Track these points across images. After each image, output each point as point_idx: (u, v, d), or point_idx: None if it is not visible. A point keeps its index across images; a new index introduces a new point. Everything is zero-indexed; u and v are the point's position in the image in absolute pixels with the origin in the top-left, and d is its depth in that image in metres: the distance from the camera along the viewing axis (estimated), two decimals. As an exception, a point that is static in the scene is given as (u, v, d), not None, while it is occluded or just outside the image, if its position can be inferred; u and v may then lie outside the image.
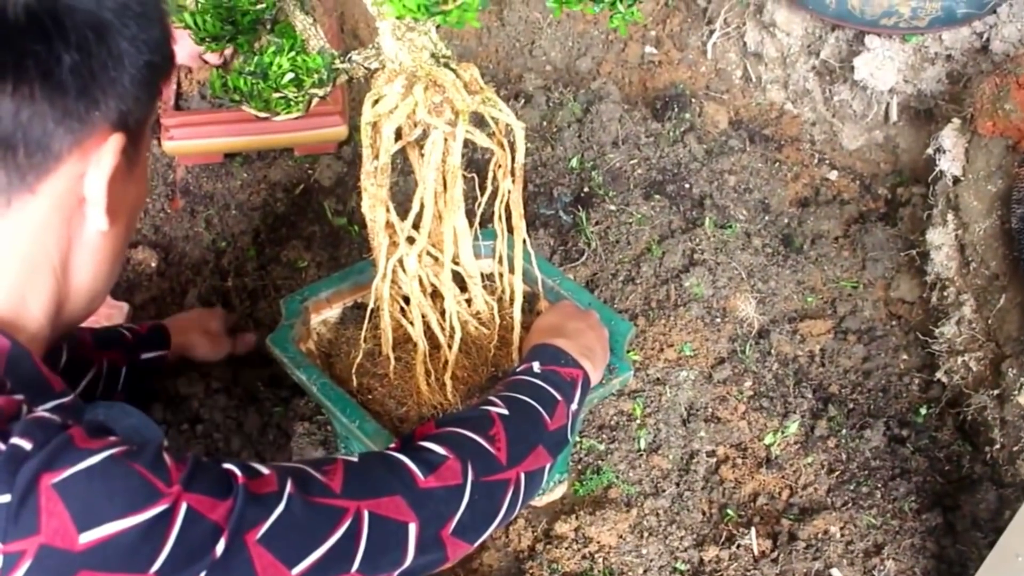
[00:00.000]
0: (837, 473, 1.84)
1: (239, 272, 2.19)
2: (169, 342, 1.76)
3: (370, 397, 1.56)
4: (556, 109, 2.49)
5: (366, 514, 1.07)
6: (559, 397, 1.36)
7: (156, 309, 2.12)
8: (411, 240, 1.45)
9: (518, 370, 1.40)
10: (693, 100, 2.57)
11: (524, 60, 2.77)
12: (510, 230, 1.52)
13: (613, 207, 2.25)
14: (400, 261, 1.46)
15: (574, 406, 1.38)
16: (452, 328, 1.49)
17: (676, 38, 2.79)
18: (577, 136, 2.42)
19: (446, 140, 1.36)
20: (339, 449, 1.70)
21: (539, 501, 1.76)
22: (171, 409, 1.88)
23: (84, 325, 1.36)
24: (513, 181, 1.44)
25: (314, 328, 1.68)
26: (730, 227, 2.26)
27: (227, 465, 1.01)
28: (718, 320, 2.08)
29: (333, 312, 1.70)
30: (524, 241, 1.52)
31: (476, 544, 1.23)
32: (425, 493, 1.13)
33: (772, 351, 2.05)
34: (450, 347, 1.51)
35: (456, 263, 1.54)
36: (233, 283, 2.17)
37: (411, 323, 1.52)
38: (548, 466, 1.31)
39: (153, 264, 2.21)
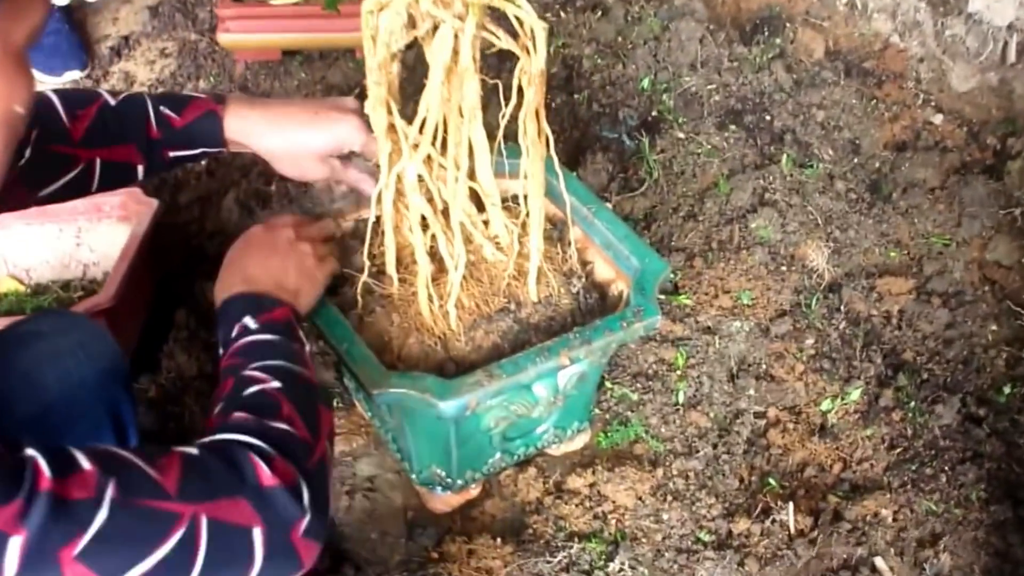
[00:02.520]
0: (899, 450, 1.69)
1: (284, 176, 2.05)
2: (222, 139, 1.35)
3: (371, 320, 1.41)
4: (633, 24, 2.36)
5: (204, 520, 0.92)
6: (295, 344, 1.19)
7: (201, 208, 2.06)
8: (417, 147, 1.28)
9: (233, 335, 1.20)
10: (788, 25, 2.41)
11: (610, -32, 2.58)
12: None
13: (682, 135, 2.12)
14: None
15: (306, 346, 1.22)
16: (457, 250, 1.33)
17: (779, -44, 2.59)
18: (652, 55, 2.29)
19: (456, 36, 1.19)
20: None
21: (556, 449, 1.63)
22: (196, 315, 1.81)
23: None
24: (533, 88, 1.25)
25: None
26: (811, 167, 2.10)
27: (29, 453, 0.85)
28: (784, 268, 1.93)
29: (347, 225, 1.56)
30: (552, 160, 1.35)
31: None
32: (270, 493, 0.98)
33: (842, 308, 1.89)
34: (456, 270, 1.34)
35: (472, 180, 1.38)
36: (276, 187, 2.07)
37: (422, 241, 1.36)
38: (332, 418, 1.18)
39: (203, 162, 2.13)
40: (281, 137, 1.36)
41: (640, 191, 2.03)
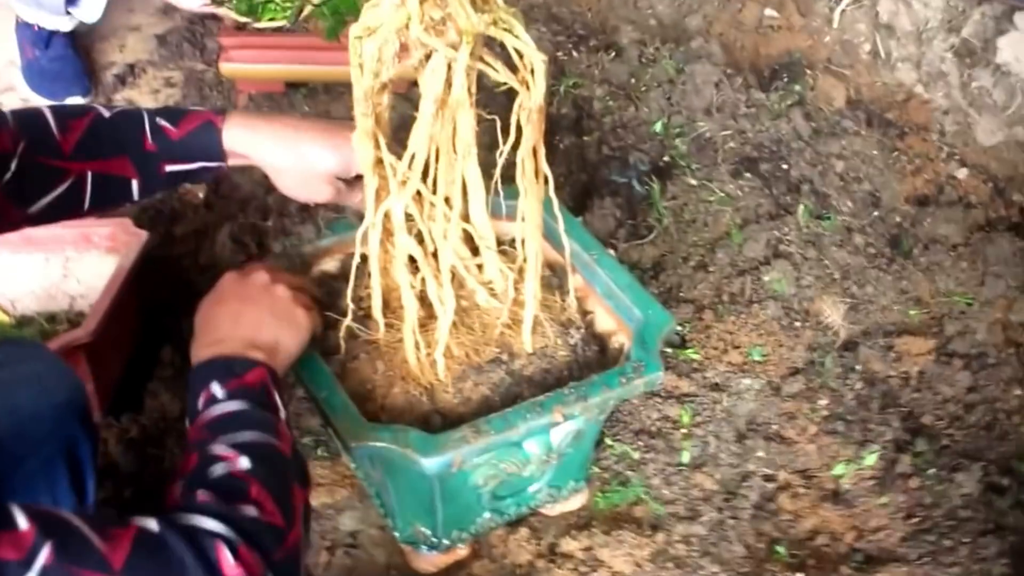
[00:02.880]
0: (916, 520, 1.61)
1: (282, 212, 2.02)
2: (221, 151, 1.28)
3: (354, 367, 1.34)
4: (648, 66, 2.31)
5: None
6: (270, 414, 1.09)
7: (196, 242, 2.00)
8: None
9: (199, 406, 1.10)
10: (808, 72, 2.36)
11: (626, 11, 2.56)
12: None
13: (694, 181, 2.06)
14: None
15: (282, 413, 1.12)
16: (447, 294, 1.26)
17: (800, 2, 2.55)
18: (666, 98, 2.23)
19: (449, 67, 1.12)
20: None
21: (550, 509, 1.54)
22: (182, 353, 1.69)
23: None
24: (531, 125, 1.18)
25: (314, 279, 1.47)
26: (828, 219, 2.04)
27: None
28: (797, 324, 1.86)
29: (332, 264, 1.49)
30: (552, 202, 1.28)
31: None
32: None
33: (858, 367, 1.82)
34: (444, 315, 1.27)
35: (467, 221, 1.32)
36: (274, 223, 2.01)
37: (410, 283, 1.29)
38: (308, 498, 1.09)
39: (201, 195, 2.10)
40: (288, 151, 1.28)
41: (649, 239, 1.96)
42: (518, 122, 1.22)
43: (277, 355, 1.17)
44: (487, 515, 1.44)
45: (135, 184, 1.27)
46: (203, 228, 2.02)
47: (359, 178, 1.31)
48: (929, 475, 1.66)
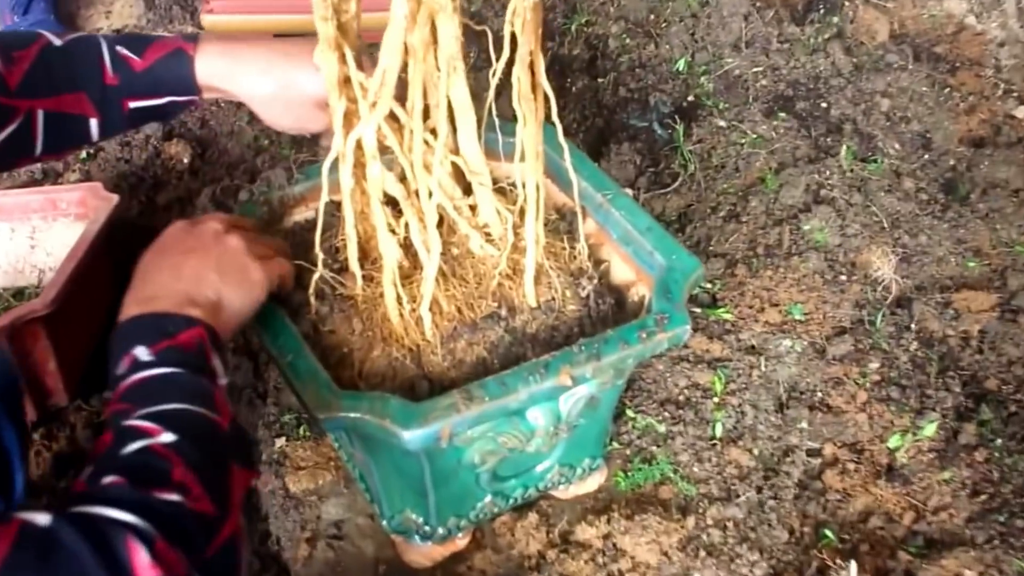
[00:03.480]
0: (984, 497, 1.46)
1: (274, 127, 1.89)
2: (194, 83, 1.16)
3: (328, 328, 1.16)
4: (668, 0, 2.12)
5: None
6: (205, 381, 0.94)
7: (180, 210, 1.88)
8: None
9: (119, 372, 0.95)
10: (847, 3, 2.23)
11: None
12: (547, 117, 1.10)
13: (723, 123, 1.91)
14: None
15: (222, 380, 0.98)
16: (431, 236, 1.08)
17: (835, -69, 2.41)
18: (689, 33, 2.09)
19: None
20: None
21: (562, 492, 1.38)
22: None
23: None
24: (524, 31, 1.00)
25: (286, 231, 1.30)
26: (875, 161, 1.88)
27: None
28: (843, 278, 1.70)
29: (310, 213, 1.31)
30: (555, 129, 1.10)
31: None
32: None
33: (912, 326, 1.66)
34: (430, 261, 1.10)
35: (457, 154, 1.14)
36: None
37: (389, 226, 1.10)
38: (253, 482, 0.97)
39: (186, 160, 1.98)
40: (271, 77, 1.15)
41: (673, 187, 1.81)
42: (512, 32, 1.03)
43: (221, 314, 1.02)
44: (488, 499, 1.26)
45: (94, 123, 1.15)
46: (187, 196, 1.89)
47: None
48: (996, 446, 1.52)
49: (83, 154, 1.93)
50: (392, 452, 1.13)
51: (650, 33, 2.08)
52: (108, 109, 1.15)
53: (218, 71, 1.15)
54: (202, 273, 1.03)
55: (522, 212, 1.17)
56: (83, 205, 1.71)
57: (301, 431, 1.46)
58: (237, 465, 0.88)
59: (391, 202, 1.13)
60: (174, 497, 0.79)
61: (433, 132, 1.09)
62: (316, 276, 1.15)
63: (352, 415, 1.03)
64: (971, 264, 1.78)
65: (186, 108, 1.20)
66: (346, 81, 1.04)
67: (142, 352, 0.92)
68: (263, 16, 2.12)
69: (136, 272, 1.05)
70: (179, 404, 0.88)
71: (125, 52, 1.13)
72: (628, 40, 2.07)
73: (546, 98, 1.09)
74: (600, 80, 2.01)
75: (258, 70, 1.15)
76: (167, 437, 0.84)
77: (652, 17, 2.12)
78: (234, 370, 1.54)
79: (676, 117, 1.92)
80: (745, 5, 2.10)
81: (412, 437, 1.02)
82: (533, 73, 1.06)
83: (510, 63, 1.04)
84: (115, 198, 1.69)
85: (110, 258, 1.65)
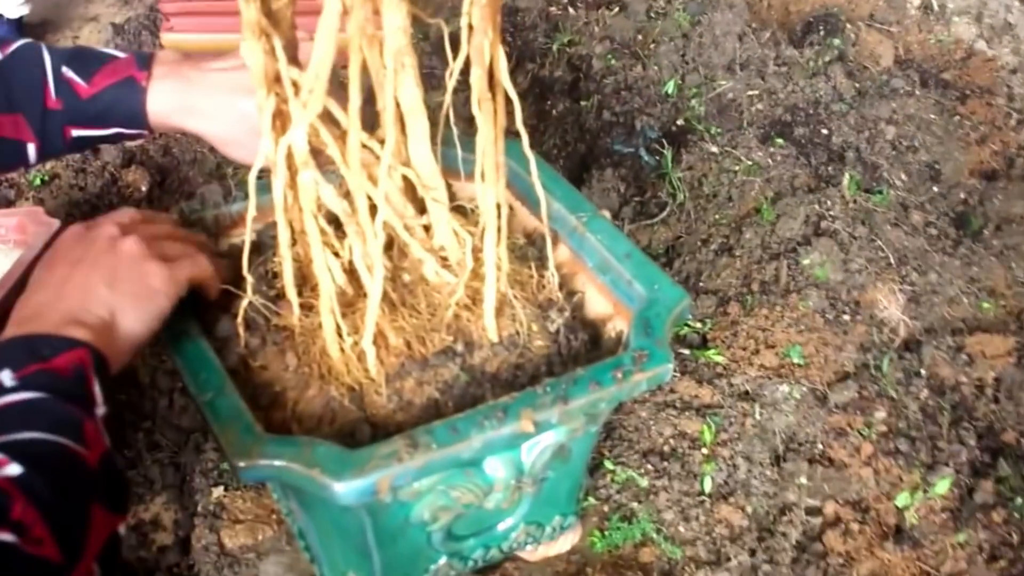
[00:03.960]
0: (1003, 563, 1.37)
1: (234, 161, 1.84)
2: (143, 117, 1.07)
3: (259, 363, 1.03)
4: (657, 20, 2.12)
5: None
6: (75, 409, 0.83)
7: None
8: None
9: None
10: (848, 26, 2.19)
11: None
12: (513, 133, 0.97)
13: (715, 149, 1.83)
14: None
15: (100, 409, 0.87)
16: (375, 256, 0.95)
17: (836, -48, 2.38)
18: (679, 54, 2.03)
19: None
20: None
21: (530, 553, 1.26)
22: None
23: None
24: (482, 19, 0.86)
25: (223, 255, 1.17)
26: (880, 193, 1.80)
27: None
28: (846, 318, 1.61)
29: (250, 236, 1.17)
30: (520, 138, 0.98)
31: None
32: None
33: (923, 372, 1.58)
34: (372, 283, 0.97)
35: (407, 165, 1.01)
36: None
37: (326, 245, 0.98)
38: (121, 528, 0.84)
39: (144, 188, 1.90)
40: (226, 112, 1.07)
41: (661, 217, 1.72)
42: (469, 23, 0.90)
43: (112, 333, 0.91)
44: (443, 561, 1.12)
45: (31, 148, 1.07)
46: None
47: None
48: (1016, 505, 1.42)
49: (36, 180, 1.88)
50: (328, 507, 0.99)
51: (637, 54, 2.02)
52: (48, 135, 1.07)
53: (171, 106, 1.06)
54: (90, 286, 0.92)
55: (483, 234, 1.04)
56: (22, 231, 1.61)
57: (237, 482, 1.34)
58: (101, 507, 0.77)
59: (334, 221, 1.00)
60: (6, 537, 0.69)
61: (381, 142, 0.96)
62: (244, 303, 1.01)
63: (275, 463, 0.89)
64: (985, 305, 1.70)
65: (136, 139, 1.13)
66: (276, 79, 0.91)
67: (6, 376, 0.82)
68: (222, 35, 2.06)
69: (28, 285, 0.95)
70: (35, 433, 0.78)
71: (71, 75, 1.05)
72: (613, 61, 2.00)
73: (508, 101, 0.95)
74: (583, 103, 1.94)
75: (213, 105, 1.06)
76: (12, 469, 0.73)
77: (639, 37, 2.06)
78: (180, 412, 1.44)
79: (664, 142, 1.85)
80: (739, 25, 2.03)
81: (346, 490, 0.88)
82: (492, 73, 0.93)
83: (468, 65, 0.91)
84: (56, 223, 1.62)
85: None
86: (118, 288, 0.93)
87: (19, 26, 2.28)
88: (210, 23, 2.04)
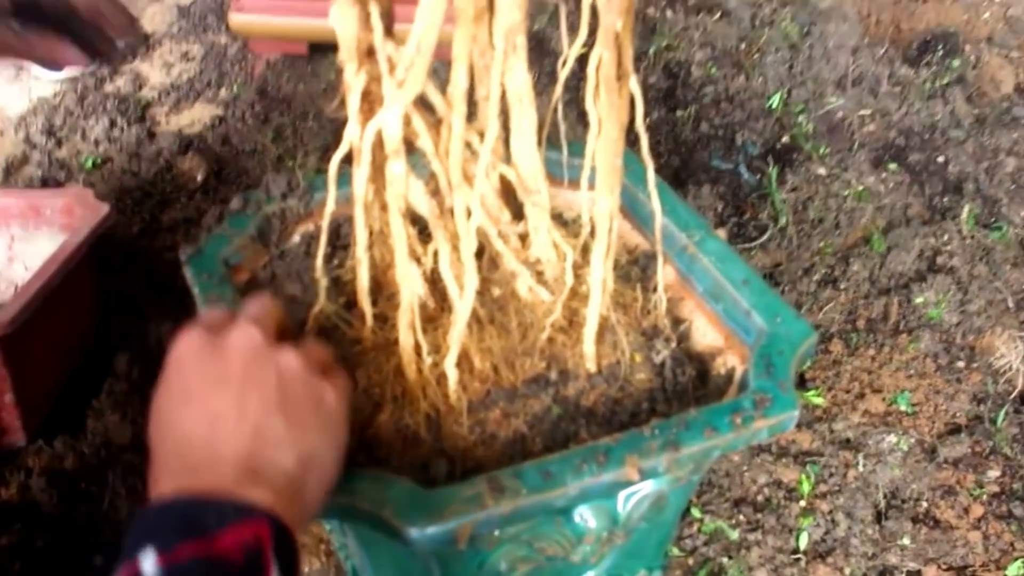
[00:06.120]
0: None
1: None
2: None
3: None
4: (763, 28, 1.98)
5: None
6: None
7: (186, 232, 1.70)
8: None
9: None
10: (967, 47, 2.01)
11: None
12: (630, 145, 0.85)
13: (822, 170, 1.69)
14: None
15: None
16: (468, 270, 0.83)
17: (954, -30, 2.23)
18: (786, 66, 1.90)
19: None
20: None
21: None
22: (142, 364, 1.43)
23: None
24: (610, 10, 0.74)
25: (279, 255, 1.06)
26: (999, 229, 1.66)
27: None
28: (960, 364, 1.47)
29: (295, 238, 1.07)
30: (640, 148, 0.85)
31: None
32: None
33: None
34: (462, 302, 0.85)
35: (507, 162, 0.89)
36: None
37: (411, 251, 0.86)
38: None
39: (199, 177, 1.82)
40: None
41: (760, 241, 1.59)
42: (593, 3, 0.78)
43: (298, 486, 0.68)
44: None
45: None
46: (196, 216, 1.71)
47: None
48: None
49: (88, 163, 1.79)
50: (392, 550, 0.87)
51: (740, 63, 1.89)
52: None
53: None
54: (258, 416, 0.68)
55: (586, 249, 0.92)
56: (69, 214, 1.52)
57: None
58: None
59: (417, 222, 0.88)
60: None
61: (480, 134, 0.84)
62: (315, 310, 0.89)
63: (339, 498, 0.76)
64: (1112, 357, 1.51)
65: None
66: (369, 53, 0.79)
67: (148, 563, 0.59)
68: (295, 19, 1.93)
69: (153, 424, 0.70)
70: None
71: None
72: (714, 70, 1.87)
73: (631, 100, 0.83)
74: (679, 113, 1.82)
75: None
76: None
77: (743, 46, 1.93)
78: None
79: (767, 160, 1.72)
80: (854, 38, 1.91)
81: (421, 535, 0.75)
82: (620, 63, 0.81)
83: (586, 56, 0.79)
84: (105, 208, 1.49)
85: (93, 278, 1.47)
86: (294, 416, 0.69)
87: (80, 1, 2.20)
88: (286, 5, 1.90)
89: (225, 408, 0.67)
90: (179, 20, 2.21)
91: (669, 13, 1.97)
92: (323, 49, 1.98)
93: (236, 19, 1.92)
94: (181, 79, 2.04)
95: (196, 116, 1.89)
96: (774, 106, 1.84)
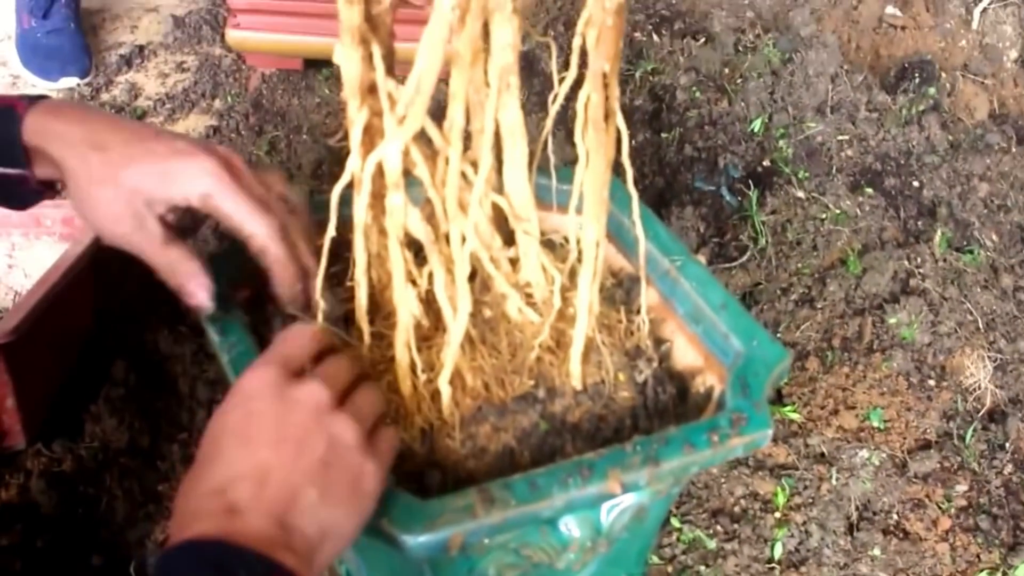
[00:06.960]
0: None
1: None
2: (22, 154, 0.87)
3: None
4: (746, 54, 2.00)
5: None
6: None
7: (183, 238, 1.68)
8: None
9: None
10: (943, 74, 2.05)
11: (719, -3, 2.26)
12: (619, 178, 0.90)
13: (801, 194, 1.72)
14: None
15: None
16: (461, 293, 0.87)
17: (931, -1, 2.25)
18: (768, 91, 1.91)
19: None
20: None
21: None
22: (139, 371, 1.46)
23: None
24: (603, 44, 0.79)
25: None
26: (970, 252, 1.70)
27: None
28: (931, 383, 1.50)
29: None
30: (624, 177, 0.90)
31: None
32: None
33: (1008, 445, 1.47)
34: (455, 323, 0.89)
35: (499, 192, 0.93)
36: None
37: (407, 274, 0.90)
38: None
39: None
40: (104, 152, 0.84)
41: (740, 262, 1.62)
42: (582, 45, 0.83)
43: (314, 557, 0.71)
44: None
45: None
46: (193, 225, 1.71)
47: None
48: None
49: None
50: (387, 556, 0.91)
51: (723, 88, 1.91)
52: None
53: (42, 131, 0.85)
54: (302, 488, 0.71)
55: (573, 272, 0.96)
56: (69, 224, 1.56)
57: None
58: None
59: (412, 244, 0.92)
60: None
61: (473, 165, 0.89)
62: (315, 327, 0.94)
63: (340, 509, 0.81)
64: (1077, 378, 1.56)
65: (16, 190, 0.89)
66: (371, 90, 0.84)
67: None
68: (291, 36, 1.94)
69: (207, 440, 0.74)
70: None
71: None
72: (698, 93, 1.90)
73: (617, 134, 0.88)
74: (664, 135, 1.84)
75: (94, 141, 0.84)
76: None
77: (727, 71, 1.95)
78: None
79: (748, 183, 1.74)
80: (833, 65, 1.92)
81: (415, 543, 0.80)
82: (607, 96, 0.85)
83: (575, 87, 0.84)
84: None
85: (92, 288, 1.49)
86: (330, 490, 0.72)
87: (77, 11, 2.20)
88: (282, 23, 1.92)
89: (276, 465, 0.70)
90: (174, 30, 2.23)
91: (655, 37, 1.99)
92: (318, 64, 2.01)
93: (233, 36, 1.94)
94: (176, 89, 2.05)
95: (191, 126, 1.90)
96: (756, 130, 1.87)
